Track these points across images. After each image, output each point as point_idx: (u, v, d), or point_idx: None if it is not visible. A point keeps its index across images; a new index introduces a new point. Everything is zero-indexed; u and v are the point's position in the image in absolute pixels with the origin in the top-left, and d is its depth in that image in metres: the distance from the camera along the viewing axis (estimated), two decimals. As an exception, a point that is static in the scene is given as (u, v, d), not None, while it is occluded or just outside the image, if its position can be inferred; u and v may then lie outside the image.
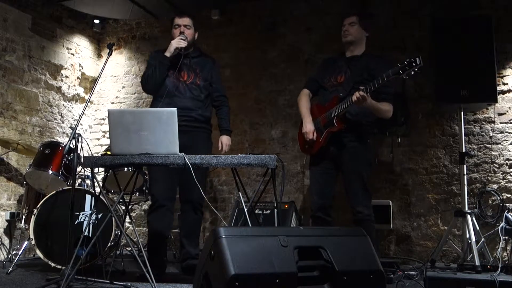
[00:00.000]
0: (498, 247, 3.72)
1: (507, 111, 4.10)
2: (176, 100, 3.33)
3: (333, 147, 3.20)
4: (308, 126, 3.25)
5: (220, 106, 3.57)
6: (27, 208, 4.03)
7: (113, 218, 3.28)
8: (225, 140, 3.52)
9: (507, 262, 3.53)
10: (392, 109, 3.18)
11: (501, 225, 3.61)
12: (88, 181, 3.93)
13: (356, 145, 3.16)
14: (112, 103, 5.69)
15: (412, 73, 2.83)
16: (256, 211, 4.01)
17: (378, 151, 4.40)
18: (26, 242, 3.78)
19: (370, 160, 3.28)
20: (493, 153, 4.09)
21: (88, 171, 3.82)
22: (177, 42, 3.33)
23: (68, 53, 5.42)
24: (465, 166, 3.68)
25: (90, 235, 3.36)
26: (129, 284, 2.81)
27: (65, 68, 5.35)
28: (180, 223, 3.45)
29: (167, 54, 3.34)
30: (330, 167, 3.25)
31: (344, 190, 3.23)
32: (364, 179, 3.16)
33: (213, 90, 3.51)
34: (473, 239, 3.35)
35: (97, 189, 3.52)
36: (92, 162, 2.82)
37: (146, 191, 4.27)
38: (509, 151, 4.05)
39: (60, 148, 3.89)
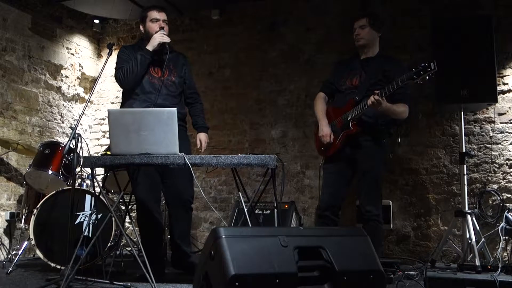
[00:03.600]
0: (498, 247, 3.72)
1: (507, 111, 4.10)
2: (152, 97, 3.24)
3: (349, 148, 3.21)
4: (325, 129, 3.26)
5: (193, 103, 3.48)
6: (27, 208, 4.03)
7: (113, 218, 3.27)
8: (203, 137, 3.41)
9: (507, 262, 3.54)
10: (408, 110, 3.19)
11: (501, 225, 3.61)
12: (88, 181, 3.93)
13: (371, 145, 3.18)
14: (112, 103, 5.69)
15: (427, 77, 2.85)
16: (256, 211, 4.00)
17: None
18: (26, 242, 3.78)
19: (385, 160, 3.29)
20: (493, 153, 4.09)
21: (88, 171, 3.82)
22: (161, 37, 3.22)
23: (68, 53, 5.42)
24: (465, 166, 3.68)
25: (90, 235, 3.36)
26: (129, 284, 2.81)
27: (65, 68, 5.35)
28: (171, 226, 3.35)
29: (149, 48, 3.23)
30: (345, 168, 3.25)
31: (354, 190, 3.24)
32: (377, 179, 3.18)
33: (186, 87, 3.43)
34: (473, 239, 3.35)
35: (97, 189, 3.52)
36: (92, 162, 2.81)
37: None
38: (509, 151, 4.05)
39: (60, 148, 3.89)
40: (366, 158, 3.17)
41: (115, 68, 3.38)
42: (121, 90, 5.95)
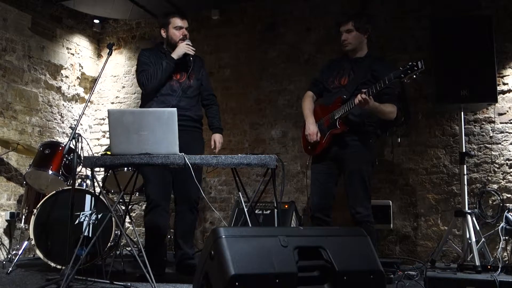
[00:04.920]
0: (498, 247, 3.72)
1: (507, 111, 4.10)
2: (169, 99, 3.32)
3: (336, 147, 3.20)
4: (311, 128, 3.25)
5: (210, 104, 3.58)
6: (27, 208, 4.03)
7: (113, 218, 3.28)
8: (218, 138, 3.52)
9: (507, 262, 3.54)
10: (396, 110, 3.18)
11: (501, 225, 3.61)
12: (88, 181, 3.93)
13: (358, 145, 3.16)
14: (112, 103, 5.69)
15: (414, 76, 2.84)
16: (256, 211, 4.01)
17: (378, 151, 4.40)
18: (26, 242, 3.78)
19: (372, 161, 3.27)
20: (493, 153, 4.09)
21: (88, 171, 3.82)
22: (187, 48, 3.34)
23: (68, 53, 5.42)
24: (465, 166, 3.68)
25: (90, 235, 3.36)
26: (129, 284, 2.81)
27: (65, 68, 5.35)
28: (176, 224, 3.42)
29: (175, 56, 3.34)
30: (332, 167, 3.24)
31: (344, 190, 3.23)
32: (365, 179, 3.15)
33: (202, 88, 3.53)
34: (473, 239, 3.35)
35: (97, 189, 3.52)
36: (92, 162, 2.82)
37: (146, 191, 4.27)
38: (509, 151, 4.05)
39: (60, 148, 3.89)
40: (353, 159, 3.14)
41: (136, 71, 3.48)
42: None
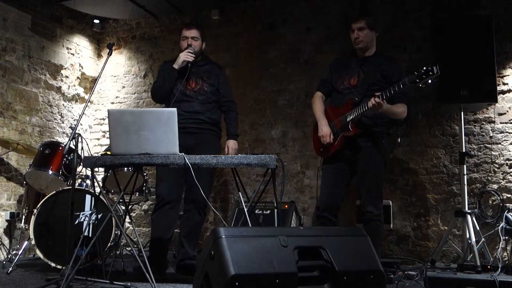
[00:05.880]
0: (498, 247, 3.72)
1: (507, 111, 4.10)
2: (182, 105, 3.39)
3: (348, 149, 3.20)
4: (324, 129, 3.25)
5: (228, 111, 3.62)
6: (27, 208, 4.03)
7: (113, 218, 3.28)
8: (231, 144, 3.56)
9: (507, 262, 3.54)
10: (407, 109, 3.19)
11: (501, 225, 3.61)
12: (88, 181, 3.93)
13: (370, 146, 3.17)
14: (112, 103, 5.69)
15: (429, 81, 2.83)
16: (256, 211, 4.01)
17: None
18: (26, 242, 3.78)
19: (385, 161, 3.28)
20: (493, 153, 4.09)
21: (88, 171, 3.82)
22: (185, 56, 3.41)
23: (68, 53, 5.42)
24: (465, 166, 3.68)
25: (90, 235, 3.36)
26: (129, 284, 2.81)
27: (65, 68, 5.35)
28: (181, 222, 3.45)
29: (175, 66, 3.42)
30: (344, 168, 3.24)
31: (354, 190, 3.24)
32: (378, 180, 3.18)
33: (220, 95, 3.57)
34: (473, 239, 3.35)
35: (97, 189, 3.52)
36: (92, 162, 2.81)
37: (146, 191, 4.27)
38: (509, 151, 4.05)
39: (60, 148, 3.90)
40: (366, 159, 3.16)
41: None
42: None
